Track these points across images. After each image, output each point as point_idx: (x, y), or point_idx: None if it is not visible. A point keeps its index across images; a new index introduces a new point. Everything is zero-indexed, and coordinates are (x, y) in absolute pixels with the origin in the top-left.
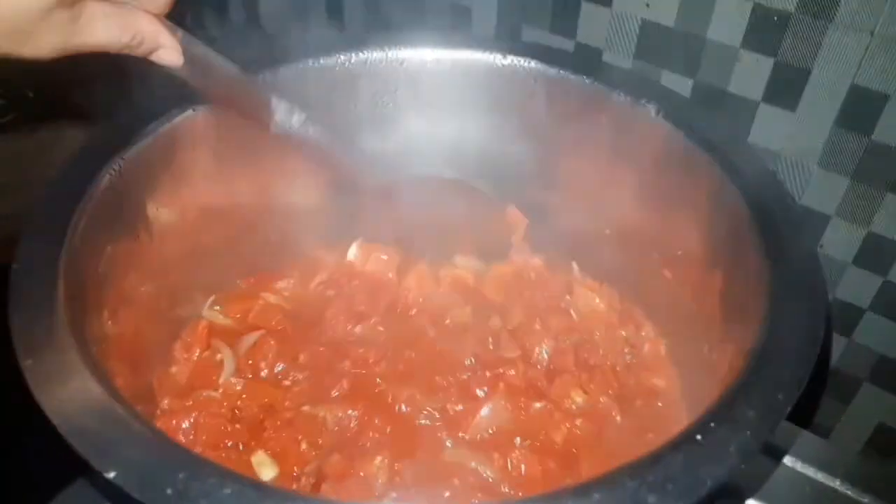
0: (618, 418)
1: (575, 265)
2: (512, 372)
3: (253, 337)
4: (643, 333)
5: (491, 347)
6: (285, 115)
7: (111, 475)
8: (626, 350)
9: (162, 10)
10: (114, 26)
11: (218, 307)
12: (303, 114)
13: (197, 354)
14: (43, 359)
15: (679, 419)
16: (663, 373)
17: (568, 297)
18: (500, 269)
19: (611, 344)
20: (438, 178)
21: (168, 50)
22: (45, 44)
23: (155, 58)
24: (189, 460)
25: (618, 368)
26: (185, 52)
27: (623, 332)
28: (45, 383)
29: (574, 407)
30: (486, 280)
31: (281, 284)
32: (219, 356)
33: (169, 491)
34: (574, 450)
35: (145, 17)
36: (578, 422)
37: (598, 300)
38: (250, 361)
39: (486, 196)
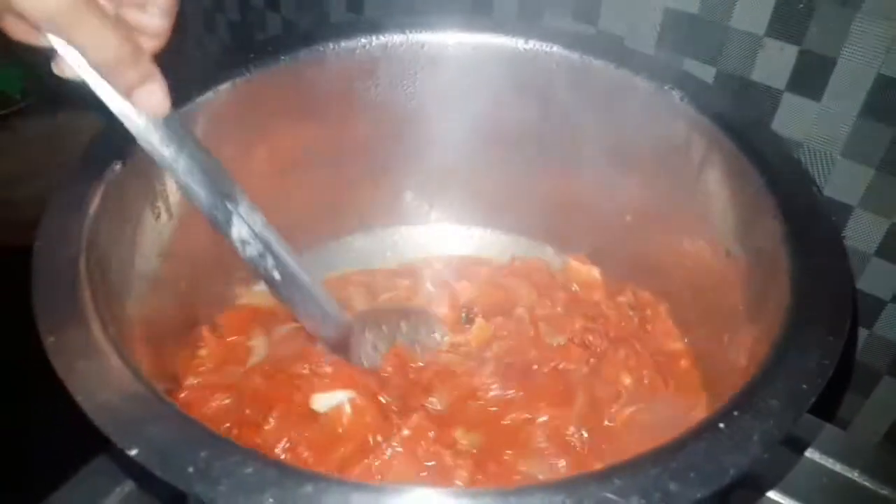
0: (664, 391)
1: (550, 248)
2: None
3: (286, 328)
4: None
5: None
6: (246, 217)
7: (133, 452)
8: (630, 313)
9: (157, 42)
10: (108, 23)
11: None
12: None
13: (233, 337)
14: (65, 336)
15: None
16: (673, 334)
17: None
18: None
19: (616, 310)
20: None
21: (158, 87)
22: None
23: (140, 95)
24: (211, 439)
25: (638, 344)
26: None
27: (622, 298)
28: (67, 360)
29: (623, 390)
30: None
31: None
32: (251, 342)
33: (190, 469)
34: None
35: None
36: (635, 406)
37: (590, 270)
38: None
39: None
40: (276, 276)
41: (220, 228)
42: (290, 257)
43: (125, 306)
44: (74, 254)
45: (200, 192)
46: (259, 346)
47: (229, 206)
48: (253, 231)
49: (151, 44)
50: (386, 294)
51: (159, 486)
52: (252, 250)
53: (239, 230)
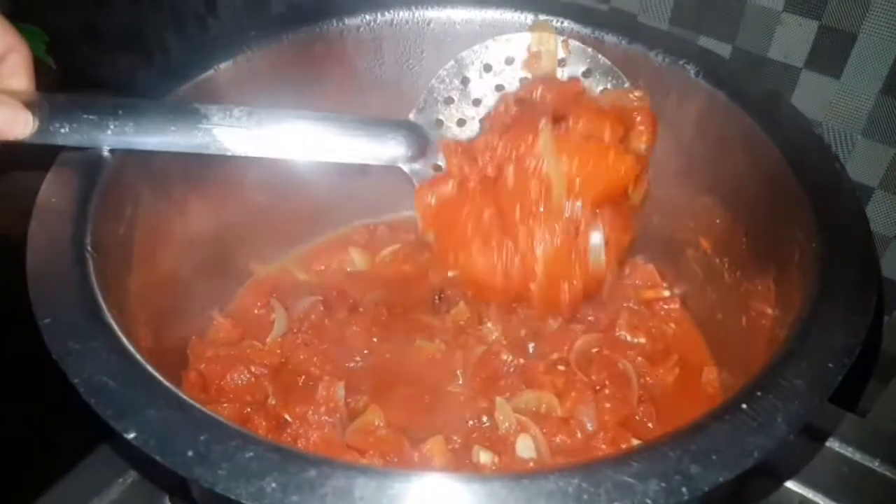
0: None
1: None
2: None
3: (308, 301)
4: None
5: None
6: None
7: (130, 436)
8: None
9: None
10: None
11: (293, 263)
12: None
13: (252, 312)
14: (61, 318)
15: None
16: (654, 280)
17: None
18: None
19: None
20: None
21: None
22: None
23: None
24: (210, 422)
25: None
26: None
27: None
28: (62, 342)
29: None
30: None
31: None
32: (272, 316)
33: (190, 453)
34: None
35: None
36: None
37: None
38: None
39: None
40: (305, 131)
41: (223, 152)
42: (296, 111)
43: (124, 289)
44: (70, 235)
45: (174, 140)
46: (279, 318)
47: (204, 127)
48: (242, 126)
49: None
50: (389, 248)
51: (161, 475)
52: (255, 140)
53: (236, 137)
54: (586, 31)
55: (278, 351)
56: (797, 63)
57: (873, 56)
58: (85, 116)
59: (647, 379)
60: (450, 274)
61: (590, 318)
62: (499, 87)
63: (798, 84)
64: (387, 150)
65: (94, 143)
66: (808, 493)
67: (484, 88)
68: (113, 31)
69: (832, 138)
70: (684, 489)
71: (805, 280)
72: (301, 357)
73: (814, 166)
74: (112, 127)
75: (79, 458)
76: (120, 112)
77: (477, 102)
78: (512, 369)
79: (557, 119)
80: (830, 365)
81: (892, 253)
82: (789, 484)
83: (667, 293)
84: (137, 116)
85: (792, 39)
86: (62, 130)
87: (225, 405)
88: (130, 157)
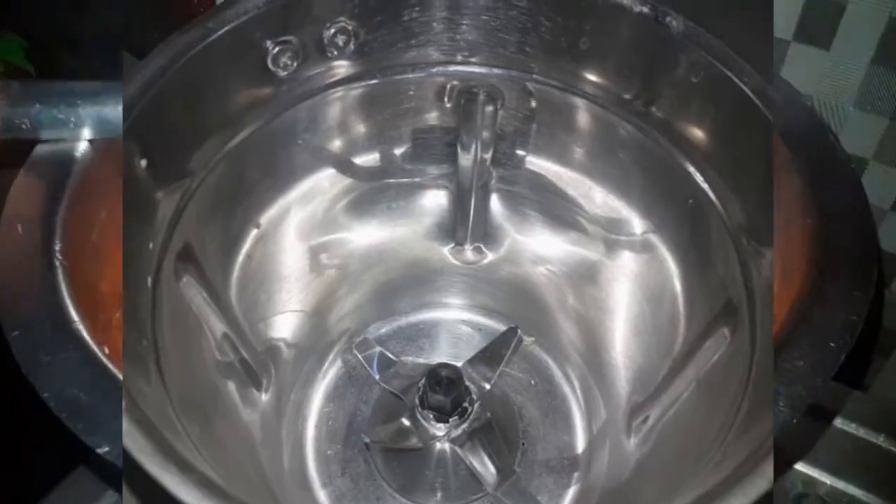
0: None
1: None
2: None
3: None
4: None
5: None
6: None
7: (103, 450)
8: None
9: None
10: None
11: None
12: None
13: None
14: (30, 329)
15: None
16: None
17: None
18: None
19: None
20: None
21: None
22: None
23: None
24: None
25: None
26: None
27: None
28: (31, 355)
29: None
30: None
31: None
32: None
33: None
34: None
35: None
36: None
37: None
38: None
39: None
40: None
41: None
42: None
43: (99, 296)
44: (39, 242)
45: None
46: None
47: None
48: None
49: None
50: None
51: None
52: None
53: None
54: None
55: None
56: (785, 36)
57: (863, 25)
58: (38, 106)
59: None
60: None
61: None
62: None
63: (787, 56)
64: None
65: (55, 134)
66: (813, 472)
67: None
68: (94, 35)
69: (824, 110)
70: None
71: (802, 256)
72: None
73: (808, 140)
74: (73, 119)
75: (58, 480)
76: (77, 102)
77: None
78: None
79: None
80: (832, 344)
81: (888, 225)
82: None
83: None
84: (95, 101)
85: (779, 12)
86: (23, 127)
87: None
88: (105, 158)
